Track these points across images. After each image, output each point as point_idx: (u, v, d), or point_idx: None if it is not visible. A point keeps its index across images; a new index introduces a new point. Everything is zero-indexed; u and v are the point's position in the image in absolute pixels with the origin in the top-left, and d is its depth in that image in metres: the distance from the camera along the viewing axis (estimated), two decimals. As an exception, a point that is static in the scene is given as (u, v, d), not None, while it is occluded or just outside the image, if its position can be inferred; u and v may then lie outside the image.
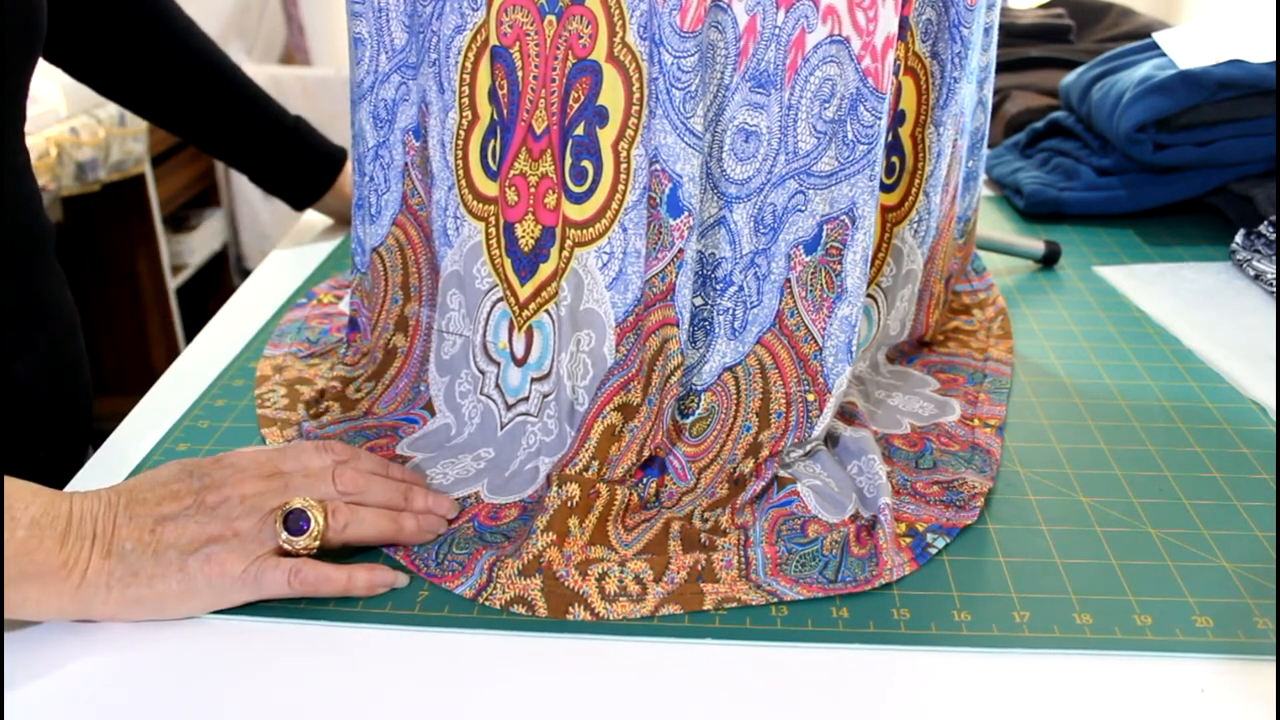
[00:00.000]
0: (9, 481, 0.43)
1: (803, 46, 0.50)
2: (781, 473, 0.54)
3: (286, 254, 0.89)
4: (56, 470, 0.62)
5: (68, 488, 0.56)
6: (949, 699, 0.42)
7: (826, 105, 0.51)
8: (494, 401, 0.58)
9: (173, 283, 2.08)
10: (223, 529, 0.46)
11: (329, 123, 1.19)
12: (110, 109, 1.77)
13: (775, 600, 0.47)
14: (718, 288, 0.54)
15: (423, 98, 0.58)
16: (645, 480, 0.54)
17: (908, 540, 0.50)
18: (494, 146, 0.55)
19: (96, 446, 0.61)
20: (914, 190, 0.61)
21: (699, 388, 0.56)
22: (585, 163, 0.51)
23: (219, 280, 2.43)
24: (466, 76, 0.55)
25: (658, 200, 0.51)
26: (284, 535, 0.47)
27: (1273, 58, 0.90)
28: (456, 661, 0.44)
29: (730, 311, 0.55)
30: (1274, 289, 0.77)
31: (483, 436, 0.58)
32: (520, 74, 0.52)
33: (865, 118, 0.51)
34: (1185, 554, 0.50)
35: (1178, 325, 0.74)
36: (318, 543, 0.47)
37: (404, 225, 0.62)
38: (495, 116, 0.54)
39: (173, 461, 0.49)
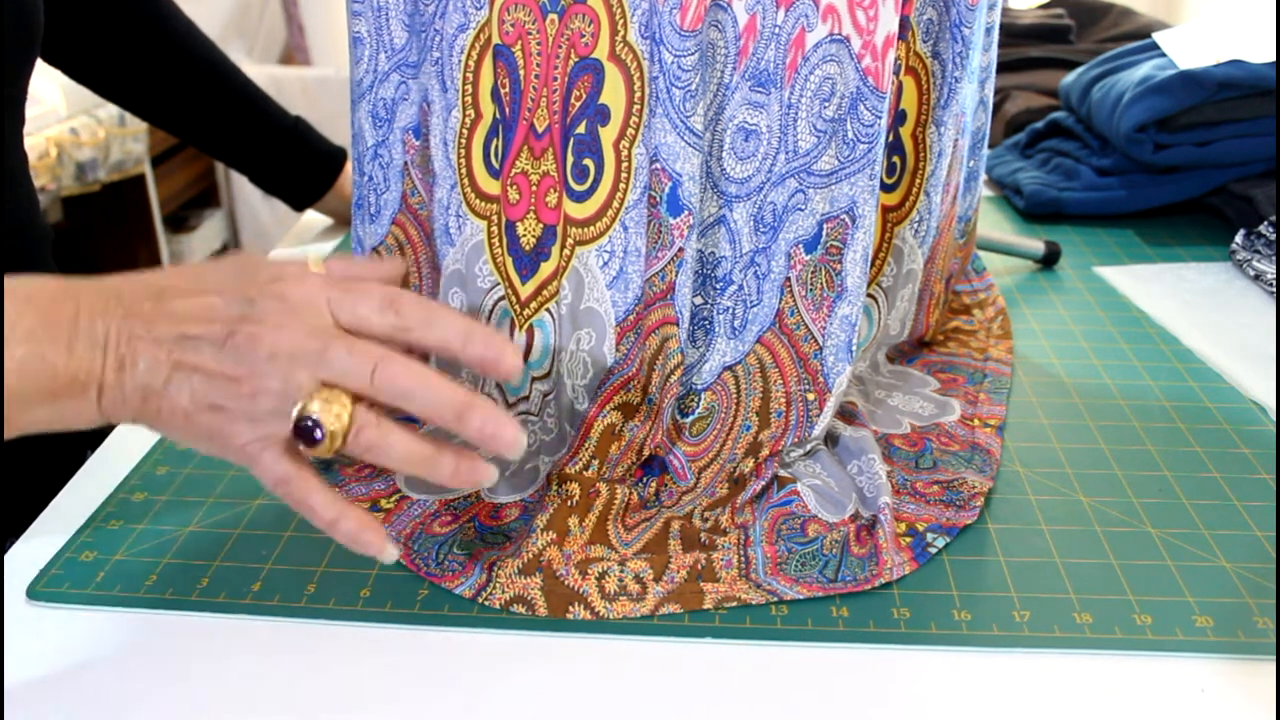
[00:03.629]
0: (7, 280, 0.40)
1: (803, 45, 0.50)
2: (781, 472, 0.54)
3: (286, 254, 0.89)
4: (55, 472, 0.62)
5: (66, 489, 0.56)
6: (949, 699, 0.42)
7: (827, 104, 0.51)
8: (494, 400, 0.58)
9: (173, 283, 2.08)
10: (241, 381, 0.40)
11: (329, 123, 1.19)
12: (110, 109, 1.78)
13: (775, 599, 0.47)
14: (718, 287, 0.54)
15: (424, 96, 0.58)
16: (645, 479, 0.53)
17: (908, 540, 0.50)
18: (496, 145, 0.55)
19: (95, 448, 0.61)
20: (915, 190, 0.61)
21: (699, 387, 0.56)
22: (587, 161, 0.51)
23: (219, 280, 2.43)
24: (469, 75, 0.55)
25: (658, 199, 0.51)
26: (292, 436, 0.41)
27: (1273, 58, 0.90)
28: (456, 660, 0.44)
29: (730, 311, 0.55)
30: (1274, 289, 0.77)
31: (483, 436, 0.58)
32: (522, 72, 0.52)
33: (865, 117, 0.51)
34: (1185, 554, 0.50)
35: (1178, 325, 0.74)
36: (326, 454, 0.41)
37: (404, 224, 0.62)
38: (497, 115, 0.54)
39: (228, 262, 0.43)
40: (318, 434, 0.40)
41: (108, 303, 0.40)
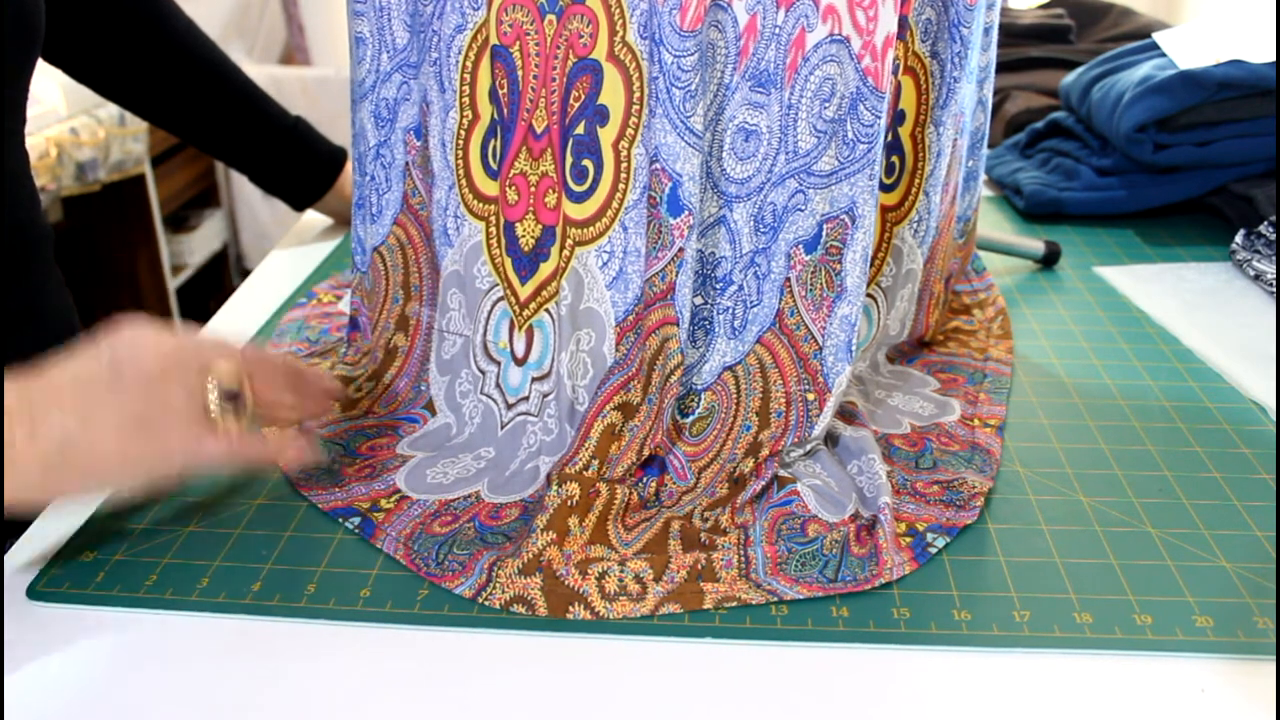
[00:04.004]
0: None
1: (803, 46, 0.50)
2: (781, 472, 0.54)
3: (286, 254, 0.89)
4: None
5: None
6: (949, 699, 0.42)
7: (826, 104, 0.51)
8: (494, 401, 0.58)
9: (173, 283, 2.08)
10: (151, 395, 0.45)
11: (329, 123, 1.19)
12: (110, 109, 1.77)
13: (775, 599, 0.47)
14: (718, 287, 0.54)
15: (424, 97, 0.58)
16: (645, 479, 0.53)
17: (908, 540, 0.50)
18: (494, 146, 0.55)
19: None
20: (914, 190, 0.61)
21: (699, 387, 0.56)
22: (586, 162, 0.51)
23: (219, 280, 2.43)
24: (467, 76, 0.55)
25: (658, 199, 0.51)
26: (216, 405, 0.46)
27: (1273, 58, 0.90)
28: (456, 661, 0.44)
29: (730, 311, 0.55)
30: (1274, 289, 0.77)
31: (483, 436, 0.58)
32: (520, 73, 0.52)
33: (865, 117, 0.51)
34: (1185, 554, 0.50)
35: (1178, 325, 0.74)
36: (247, 414, 0.47)
37: (405, 225, 0.62)
38: (496, 116, 0.54)
39: (72, 353, 0.47)
40: (239, 397, 0.47)
41: (9, 390, 0.43)
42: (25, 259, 0.63)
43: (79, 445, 0.43)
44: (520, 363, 0.57)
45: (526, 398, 0.57)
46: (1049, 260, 0.84)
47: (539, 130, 0.53)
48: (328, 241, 0.91)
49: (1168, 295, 0.78)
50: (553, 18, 0.50)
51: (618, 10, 0.49)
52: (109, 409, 0.44)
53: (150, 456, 0.44)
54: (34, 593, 0.48)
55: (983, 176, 0.71)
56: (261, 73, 2.27)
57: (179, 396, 0.45)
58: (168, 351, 0.46)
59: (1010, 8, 1.41)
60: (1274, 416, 0.62)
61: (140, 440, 0.44)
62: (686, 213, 0.51)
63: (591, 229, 0.52)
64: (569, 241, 0.52)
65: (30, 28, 0.59)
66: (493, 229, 0.56)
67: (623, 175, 0.51)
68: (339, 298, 0.77)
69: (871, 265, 0.59)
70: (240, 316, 0.77)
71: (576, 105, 0.51)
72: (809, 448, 0.55)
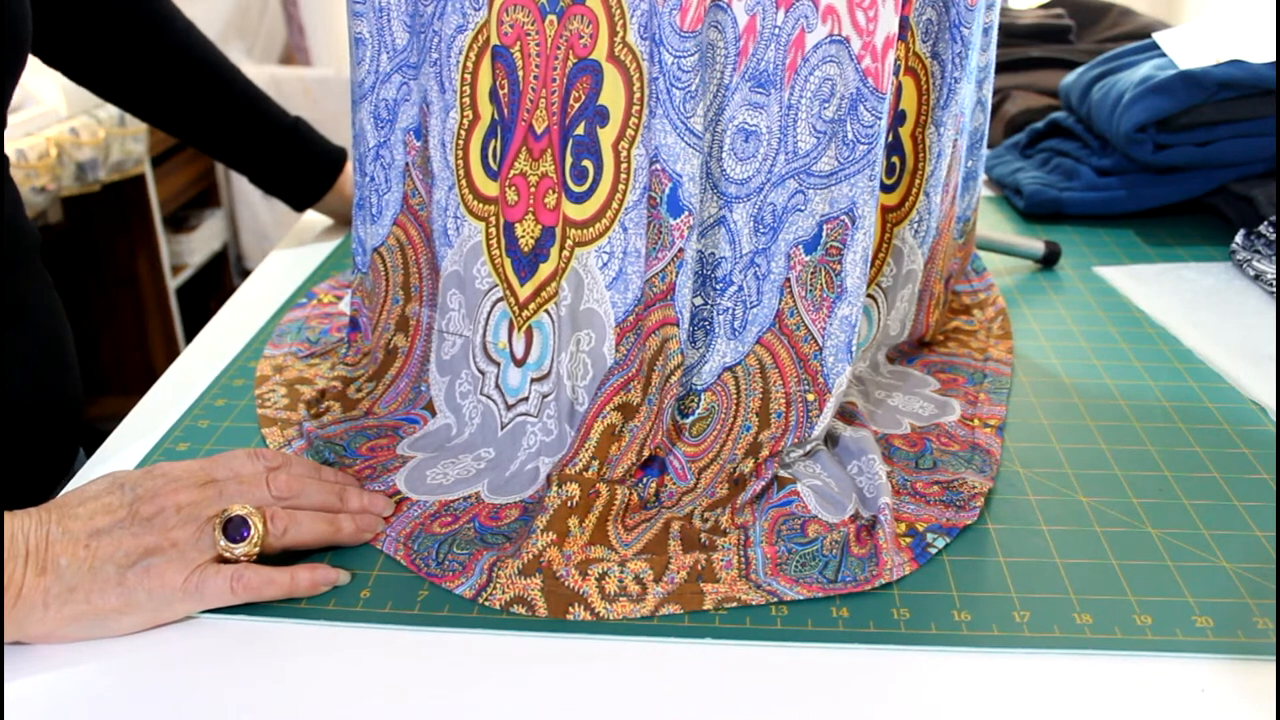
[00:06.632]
0: None
1: (802, 46, 0.50)
2: (781, 473, 0.54)
3: (286, 254, 0.89)
4: (44, 477, 0.62)
5: (63, 491, 0.56)
6: (949, 699, 0.42)
7: (826, 105, 0.51)
8: (494, 402, 0.58)
9: (173, 283, 2.08)
10: (160, 540, 0.45)
11: (330, 123, 1.19)
12: (110, 109, 1.77)
13: (775, 600, 0.47)
14: (718, 287, 0.54)
15: (424, 97, 0.58)
16: (645, 480, 0.54)
17: (908, 540, 0.50)
18: (494, 146, 0.55)
19: (90, 449, 0.61)
20: (914, 190, 0.61)
21: (699, 387, 0.56)
22: (586, 162, 0.51)
23: (219, 280, 2.43)
24: (468, 76, 0.55)
25: (658, 200, 0.51)
26: (223, 542, 0.46)
27: (1273, 58, 0.90)
28: (456, 661, 0.44)
29: (730, 311, 0.55)
30: (1274, 289, 0.77)
31: (483, 437, 0.58)
32: (521, 73, 0.52)
33: (865, 118, 0.51)
34: (1185, 554, 0.50)
35: (1178, 325, 0.74)
36: (258, 549, 0.47)
37: (405, 225, 0.62)
38: (496, 116, 0.54)
39: (103, 475, 0.48)
40: (244, 529, 0.46)
41: (18, 517, 0.44)
42: (10, 262, 0.62)
43: (82, 591, 0.44)
44: (519, 363, 0.57)
45: (526, 398, 0.57)
46: (1049, 260, 0.84)
47: (539, 131, 0.53)
48: (328, 242, 0.91)
49: (1168, 295, 0.78)
50: (553, 18, 0.50)
51: (618, 11, 0.49)
52: (119, 550, 0.45)
53: (150, 592, 0.44)
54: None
55: (982, 176, 0.71)
56: (261, 73, 2.27)
57: (186, 533, 0.46)
58: (190, 493, 0.47)
59: (1010, 8, 1.41)
60: (1274, 416, 0.62)
61: (141, 576, 0.45)
62: (686, 213, 0.51)
63: (591, 229, 0.52)
64: (569, 242, 0.52)
65: (18, 37, 0.59)
66: (492, 229, 0.56)
67: (623, 176, 0.51)
68: (339, 298, 0.77)
69: (872, 266, 0.59)
70: (240, 316, 0.77)
71: (577, 106, 0.51)
72: (809, 448, 0.55)
